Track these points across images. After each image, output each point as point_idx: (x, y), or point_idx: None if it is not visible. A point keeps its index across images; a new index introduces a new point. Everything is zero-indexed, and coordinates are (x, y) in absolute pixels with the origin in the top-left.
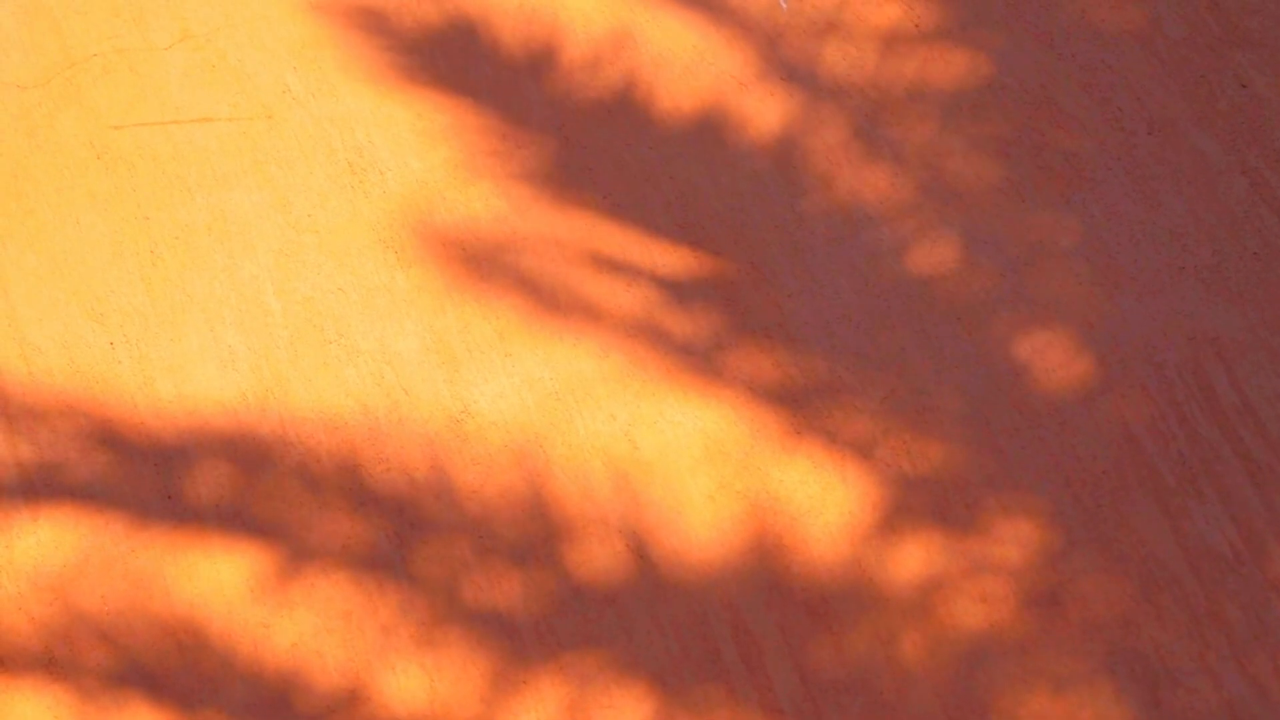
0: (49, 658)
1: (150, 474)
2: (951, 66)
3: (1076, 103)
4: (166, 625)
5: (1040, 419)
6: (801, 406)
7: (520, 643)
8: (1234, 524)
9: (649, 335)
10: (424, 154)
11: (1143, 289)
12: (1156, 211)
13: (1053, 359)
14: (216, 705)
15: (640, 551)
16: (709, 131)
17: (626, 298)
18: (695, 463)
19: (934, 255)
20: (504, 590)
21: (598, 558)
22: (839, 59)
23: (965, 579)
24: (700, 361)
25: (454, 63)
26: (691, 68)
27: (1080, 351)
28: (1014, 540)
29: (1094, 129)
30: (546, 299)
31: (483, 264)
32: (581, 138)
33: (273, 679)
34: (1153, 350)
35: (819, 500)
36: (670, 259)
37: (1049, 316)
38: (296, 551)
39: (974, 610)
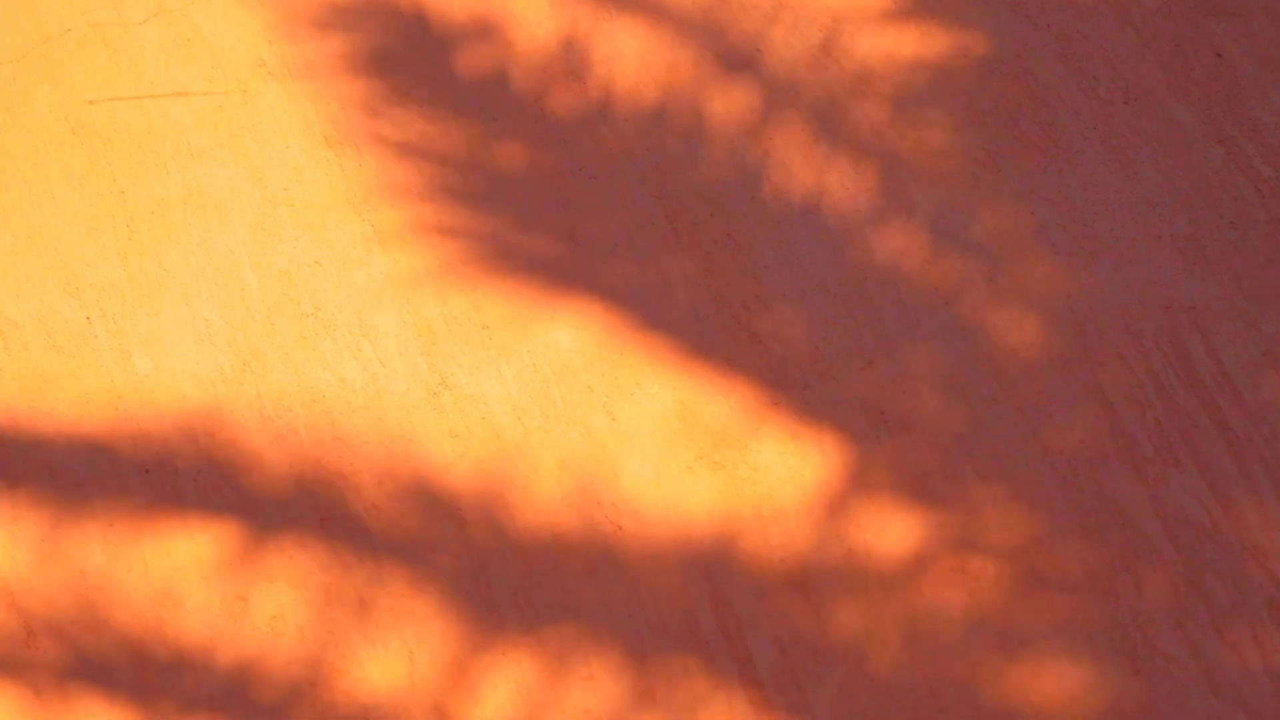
0: (28, 631)
1: (127, 448)
2: (927, 38)
3: (1052, 73)
4: (145, 597)
5: (1018, 388)
6: (779, 377)
7: (498, 615)
8: (1212, 492)
9: (626, 307)
10: (400, 128)
11: (1119, 259)
12: (1132, 181)
13: (1029, 329)
14: (194, 676)
15: (618, 523)
16: (686, 106)
17: (603, 270)
18: (673, 434)
19: (909, 226)
20: (481, 562)
21: (575, 529)
22: (815, 30)
23: (943, 549)
24: (677, 333)
25: (431, 38)
26: (670, 42)
27: (1057, 321)
28: (992, 511)
29: (1069, 99)
30: (523, 272)
31: (459, 237)
32: (558, 113)
33: (252, 651)
34: (1130, 320)
35: (797, 471)
36: (646, 231)
37: (1025, 286)
38: (273, 524)
39: (952, 581)
